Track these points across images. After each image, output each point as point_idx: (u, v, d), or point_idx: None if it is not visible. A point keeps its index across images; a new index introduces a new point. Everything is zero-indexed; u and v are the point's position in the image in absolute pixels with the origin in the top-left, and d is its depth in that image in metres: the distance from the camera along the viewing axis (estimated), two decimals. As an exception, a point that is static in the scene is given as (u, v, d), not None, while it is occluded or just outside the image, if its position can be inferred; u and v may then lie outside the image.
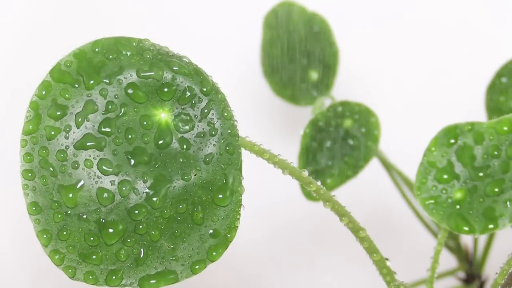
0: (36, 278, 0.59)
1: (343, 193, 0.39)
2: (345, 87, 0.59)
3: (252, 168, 0.37)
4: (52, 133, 0.29)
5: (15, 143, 0.33)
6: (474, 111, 0.51)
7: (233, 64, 0.60)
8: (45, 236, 0.29)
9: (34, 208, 0.29)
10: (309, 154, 0.44)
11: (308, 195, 0.44)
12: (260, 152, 0.32)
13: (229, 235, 0.31)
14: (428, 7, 0.62)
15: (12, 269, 0.59)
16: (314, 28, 0.51)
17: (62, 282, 0.57)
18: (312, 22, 0.51)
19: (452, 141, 0.37)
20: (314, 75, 0.51)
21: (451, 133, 0.37)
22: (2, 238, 0.59)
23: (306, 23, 0.51)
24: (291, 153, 0.42)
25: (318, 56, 0.51)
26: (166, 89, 0.30)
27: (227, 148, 0.31)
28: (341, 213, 0.34)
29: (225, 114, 0.31)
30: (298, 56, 0.51)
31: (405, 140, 0.55)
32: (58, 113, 0.29)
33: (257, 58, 0.54)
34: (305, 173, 0.34)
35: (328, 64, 0.50)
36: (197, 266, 0.30)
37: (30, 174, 0.29)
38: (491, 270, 0.47)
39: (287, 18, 0.51)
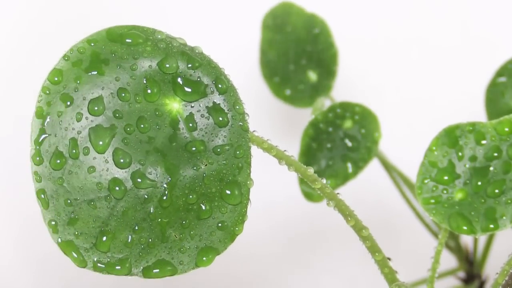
0: (40, 280, 0.58)
1: (344, 194, 0.39)
2: (344, 88, 0.59)
3: (252, 168, 0.37)
4: (64, 118, 0.29)
5: (19, 150, 0.32)
6: (474, 111, 0.51)
7: (232, 65, 0.59)
8: (53, 222, 0.28)
9: (42, 195, 0.28)
10: (309, 155, 0.44)
11: (308, 196, 0.44)
12: (268, 148, 0.32)
13: (237, 228, 0.31)
14: (427, 9, 0.62)
15: (16, 271, 0.58)
16: (312, 29, 0.51)
17: (67, 284, 0.57)
18: (310, 23, 0.51)
19: (453, 141, 0.37)
20: (313, 76, 0.51)
21: (452, 133, 0.37)
22: (6, 240, 0.58)
23: (304, 24, 0.51)
24: (291, 154, 0.42)
25: (317, 57, 0.51)
26: (178, 80, 0.30)
27: (237, 140, 0.31)
28: (344, 211, 0.34)
29: (237, 107, 0.31)
30: (297, 58, 0.51)
31: (405, 141, 0.55)
32: (70, 99, 0.29)
33: (256, 60, 0.54)
34: (311, 170, 0.34)
35: (327, 65, 0.50)
36: (204, 258, 0.30)
37: (39, 159, 0.29)
38: (491, 269, 0.47)
39: (286, 19, 0.52)
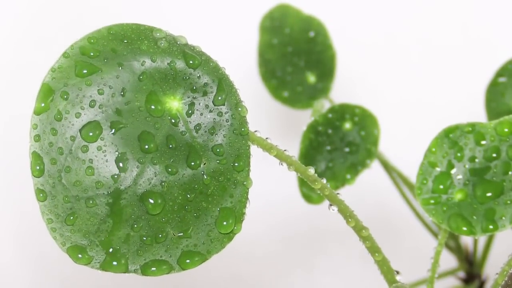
0: (38, 277, 0.57)
1: (344, 194, 0.40)
2: (343, 90, 0.59)
3: (251, 168, 0.37)
4: (63, 115, 0.29)
5: (16, 145, 0.32)
6: (474, 111, 0.51)
7: (230, 66, 0.60)
8: (51, 219, 0.28)
9: (41, 195, 0.28)
10: (308, 157, 0.44)
11: (308, 198, 0.44)
12: (268, 148, 0.32)
13: (235, 228, 0.30)
14: (427, 9, 0.62)
15: (15, 268, 0.58)
16: (310, 31, 0.51)
17: (63, 282, 0.56)
18: (308, 25, 0.51)
19: (453, 141, 0.37)
20: (311, 78, 0.51)
21: (451, 133, 0.37)
22: (4, 237, 0.58)
23: (302, 26, 0.51)
24: (291, 155, 0.42)
25: (315, 59, 0.51)
26: (178, 78, 0.30)
27: (237, 140, 0.31)
28: (345, 212, 0.34)
29: (237, 107, 0.31)
30: (295, 59, 0.51)
31: (405, 142, 0.56)
32: (70, 96, 0.29)
33: (254, 61, 0.54)
34: (311, 170, 0.33)
35: (325, 67, 0.50)
36: (199, 258, 0.30)
37: (39, 156, 0.28)
38: (491, 269, 0.47)
39: (283, 21, 0.52)
